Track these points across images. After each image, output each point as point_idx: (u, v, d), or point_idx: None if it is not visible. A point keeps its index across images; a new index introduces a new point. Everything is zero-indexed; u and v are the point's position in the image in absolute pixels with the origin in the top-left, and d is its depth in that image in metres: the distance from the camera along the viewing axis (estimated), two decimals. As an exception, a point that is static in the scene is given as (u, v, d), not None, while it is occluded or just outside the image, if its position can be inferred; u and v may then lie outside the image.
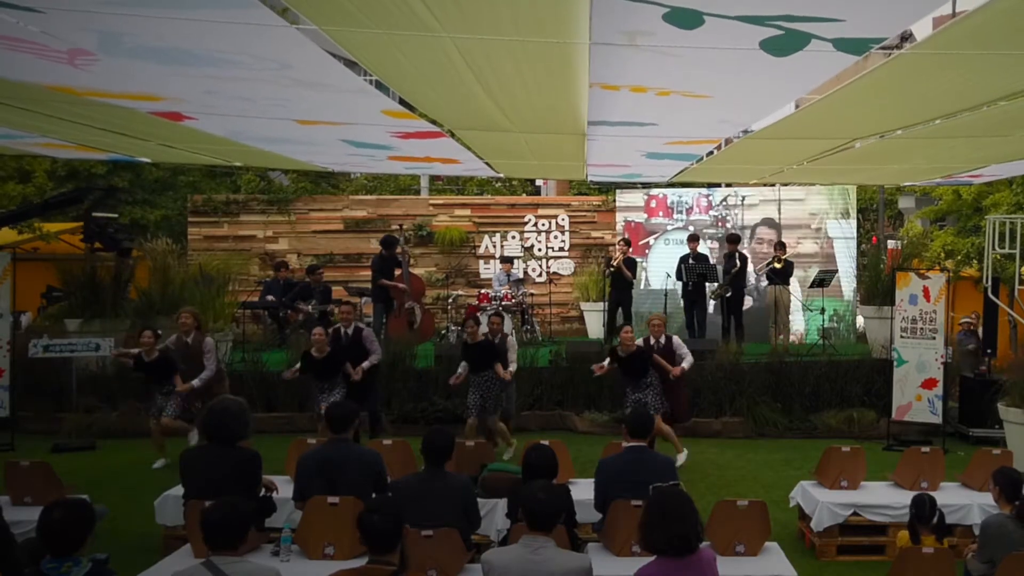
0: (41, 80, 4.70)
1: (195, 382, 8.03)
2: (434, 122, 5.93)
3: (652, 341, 8.15)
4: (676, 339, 8.29)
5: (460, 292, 13.93)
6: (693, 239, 12.08)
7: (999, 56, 3.70)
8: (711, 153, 7.46)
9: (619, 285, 11.91)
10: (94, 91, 4.94)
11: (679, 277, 11.98)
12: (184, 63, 4.21)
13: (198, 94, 5.00)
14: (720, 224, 13.30)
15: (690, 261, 11.66)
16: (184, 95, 5.06)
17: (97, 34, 3.76)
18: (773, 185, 13.30)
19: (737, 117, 5.35)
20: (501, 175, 9.75)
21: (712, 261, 12.08)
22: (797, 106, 5.30)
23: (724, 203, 13.25)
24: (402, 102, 5.26)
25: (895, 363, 9.32)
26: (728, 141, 6.90)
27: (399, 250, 11.72)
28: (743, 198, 13.12)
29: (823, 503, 6.03)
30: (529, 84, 4.41)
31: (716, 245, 13.08)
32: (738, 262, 11.57)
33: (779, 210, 13.11)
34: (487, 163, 8.03)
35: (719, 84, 4.38)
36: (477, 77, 4.24)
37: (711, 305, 12.24)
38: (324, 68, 4.24)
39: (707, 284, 11.77)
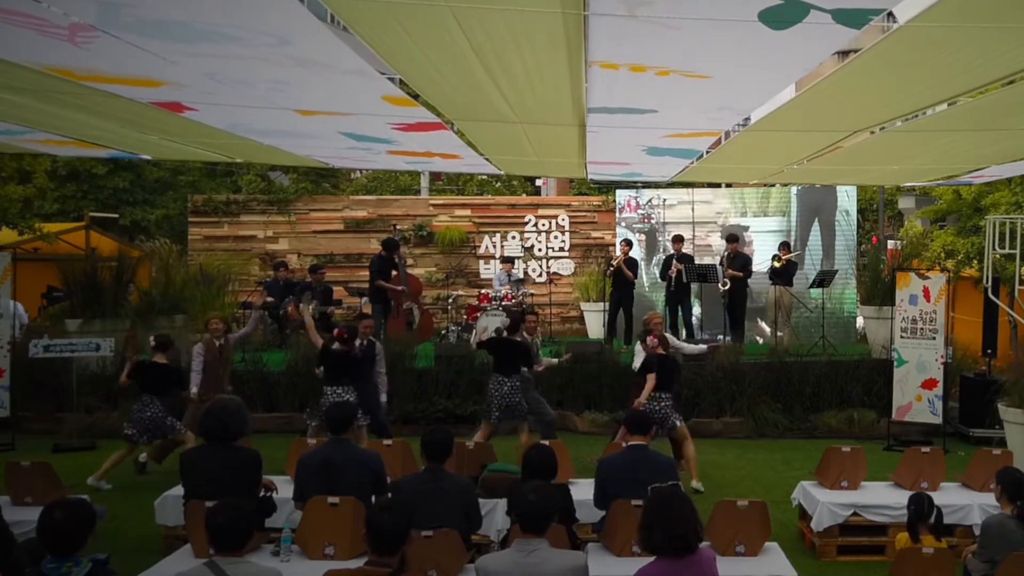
0: (41, 60, 4.68)
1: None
2: (435, 111, 5.91)
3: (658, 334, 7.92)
4: (671, 337, 8.20)
5: (460, 292, 13.94)
6: (678, 240, 12.14)
7: (1000, 30, 3.68)
8: (710, 151, 7.45)
9: (620, 285, 11.92)
10: (94, 74, 4.92)
11: (663, 277, 12.03)
12: (183, 39, 4.19)
13: (197, 77, 4.97)
14: (646, 220, 14.00)
15: (680, 262, 11.67)
16: (183, 79, 5.03)
17: (96, 6, 3.76)
18: (773, 185, 13.34)
19: (737, 102, 5.32)
20: (502, 172, 9.73)
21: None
22: (797, 92, 5.25)
23: (649, 203, 14.02)
24: (402, 85, 5.25)
25: (895, 363, 9.32)
26: (728, 135, 6.89)
27: (396, 259, 11.75)
28: (664, 200, 13.98)
29: (823, 503, 6.03)
30: (529, 64, 4.38)
31: (643, 238, 13.89)
32: (740, 263, 11.58)
33: (692, 210, 13.92)
34: (487, 159, 8.01)
35: (718, 62, 4.36)
36: (477, 53, 4.21)
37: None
38: (323, 44, 4.22)
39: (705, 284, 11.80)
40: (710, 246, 13.64)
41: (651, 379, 7.38)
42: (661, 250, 13.72)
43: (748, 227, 13.75)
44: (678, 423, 7.52)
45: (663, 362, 7.48)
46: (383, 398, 8.01)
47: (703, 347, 9.06)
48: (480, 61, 4.37)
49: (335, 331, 7.74)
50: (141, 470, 7.94)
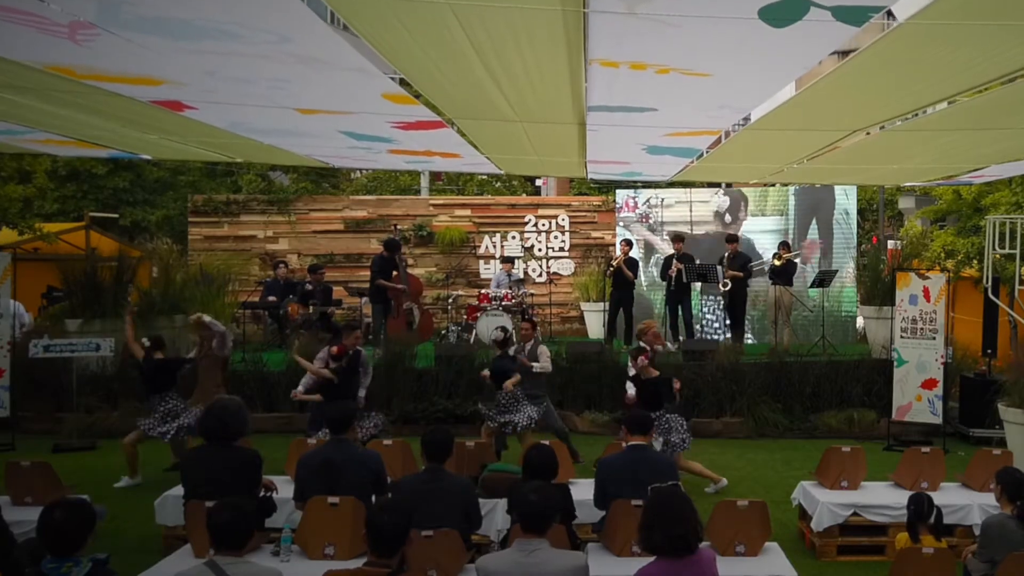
0: (42, 59, 4.67)
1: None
2: (435, 109, 5.92)
3: (651, 351, 7.53)
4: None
5: (460, 292, 13.95)
6: (678, 239, 12.13)
7: (999, 28, 3.68)
8: (710, 150, 7.45)
9: (620, 285, 11.92)
10: (94, 73, 4.91)
11: (663, 277, 12.04)
12: (183, 36, 4.19)
13: (198, 76, 4.97)
14: (644, 220, 14.06)
15: (680, 262, 11.68)
16: (184, 77, 5.03)
17: (96, 4, 3.74)
18: (773, 185, 13.35)
19: (737, 101, 5.32)
20: (502, 172, 9.73)
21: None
22: (797, 90, 5.24)
23: (648, 203, 14.05)
24: (402, 82, 5.25)
25: (895, 363, 9.32)
26: (728, 135, 6.89)
27: (397, 260, 11.76)
28: (662, 199, 14.03)
29: (823, 503, 6.03)
30: (528, 62, 4.39)
31: (639, 237, 13.91)
32: (740, 263, 11.59)
33: (691, 210, 13.97)
34: (488, 158, 8.01)
35: (718, 60, 4.36)
36: (477, 51, 4.22)
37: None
38: (324, 42, 4.22)
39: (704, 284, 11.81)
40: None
41: (633, 397, 7.12)
42: (659, 250, 13.74)
43: (747, 194, 13.89)
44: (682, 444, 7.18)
45: (645, 385, 7.05)
46: (361, 393, 7.80)
47: (670, 347, 8.65)
48: (480, 59, 4.37)
49: (334, 349, 7.61)
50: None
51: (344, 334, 7.72)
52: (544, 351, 8.14)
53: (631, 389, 7.28)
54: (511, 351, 7.95)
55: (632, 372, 7.48)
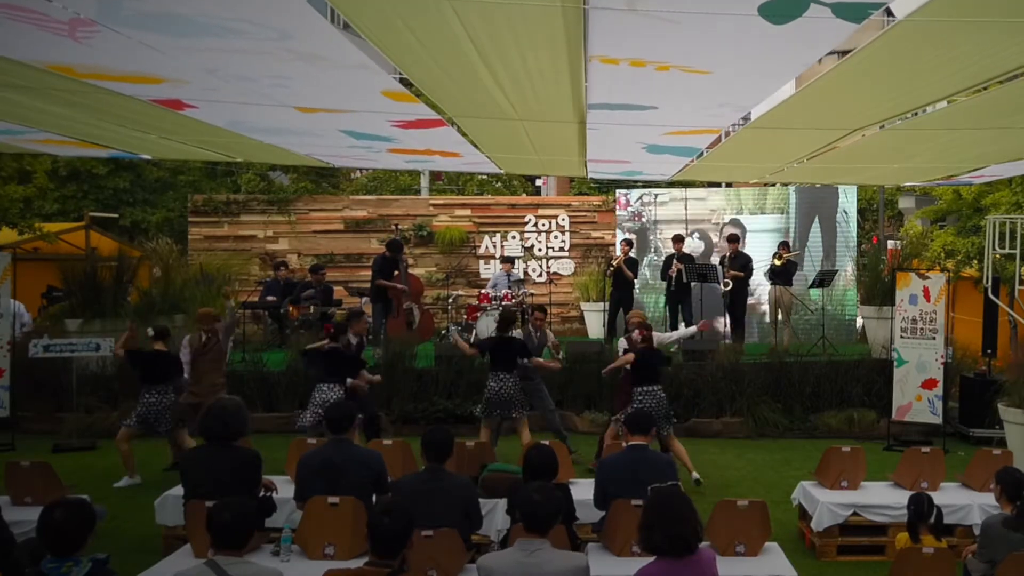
0: (42, 58, 4.67)
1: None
2: (435, 108, 5.91)
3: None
4: (656, 333, 8.17)
5: (460, 292, 13.94)
6: (678, 239, 12.15)
7: (997, 26, 3.68)
8: (710, 149, 7.45)
9: (620, 285, 11.92)
10: (94, 72, 4.91)
11: (663, 277, 12.05)
12: (185, 33, 4.19)
13: (199, 74, 4.97)
14: (636, 219, 14.02)
15: (680, 262, 11.67)
16: (185, 75, 5.03)
17: (97, 0, 3.75)
18: (774, 184, 13.34)
19: (737, 99, 5.34)
20: (502, 171, 9.73)
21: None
22: (796, 88, 5.24)
23: (640, 200, 14.02)
24: (403, 82, 5.25)
25: (895, 363, 9.32)
26: (727, 134, 6.89)
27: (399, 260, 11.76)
28: (655, 196, 13.96)
29: (823, 503, 6.03)
30: (528, 59, 4.39)
31: (634, 236, 13.74)
32: (741, 263, 11.58)
33: (685, 207, 13.89)
34: (488, 157, 8.01)
35: (718, 58, 4.37)
36: (477, 48, 4.22)
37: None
38: (325, 39, 4.23)
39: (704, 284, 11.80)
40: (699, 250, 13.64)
41: (629, 356, 7.54)
42: (652, 249, 13.71)
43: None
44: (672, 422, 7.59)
45: (645, 354, 7.52)
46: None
47: (693, 328, 9.13)
48: (480, 56, 4.37)
49: (326, 327, 7.81)
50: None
51: (352, 321, 7.88)
52: (551, 334, 8.76)
53: (623, 344, 7.86)
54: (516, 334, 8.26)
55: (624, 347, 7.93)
